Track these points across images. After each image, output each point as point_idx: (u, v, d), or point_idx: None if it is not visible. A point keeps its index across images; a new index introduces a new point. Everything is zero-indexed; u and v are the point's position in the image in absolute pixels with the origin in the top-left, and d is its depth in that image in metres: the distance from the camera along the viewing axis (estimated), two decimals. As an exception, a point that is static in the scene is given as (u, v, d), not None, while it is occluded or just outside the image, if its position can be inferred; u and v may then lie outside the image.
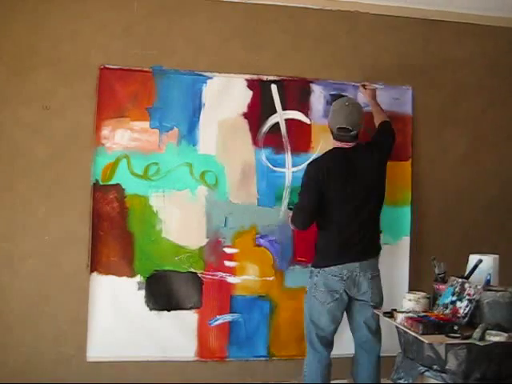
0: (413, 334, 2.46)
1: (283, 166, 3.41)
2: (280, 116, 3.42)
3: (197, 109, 3.34)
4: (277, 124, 3.41)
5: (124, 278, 3.25)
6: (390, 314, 2.74)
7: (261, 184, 3.38)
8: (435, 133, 3.62)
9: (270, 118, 3.40)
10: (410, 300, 2.75)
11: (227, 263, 3.34)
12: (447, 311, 2.57)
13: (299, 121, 3.44)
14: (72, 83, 3.24)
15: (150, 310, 3.27)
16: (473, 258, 2.75)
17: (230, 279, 3.34)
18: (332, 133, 3.00)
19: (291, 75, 3.43)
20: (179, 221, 3.30)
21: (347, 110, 2.92)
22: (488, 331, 2.37)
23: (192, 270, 3.31)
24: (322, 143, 3.40)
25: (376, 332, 2.99)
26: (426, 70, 3.62)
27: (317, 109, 3.46)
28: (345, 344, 3.17)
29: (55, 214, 3.22)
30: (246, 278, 3.36)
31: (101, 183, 3.24)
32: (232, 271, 3.35)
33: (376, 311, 2.90)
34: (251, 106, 3.39)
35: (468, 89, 3.67)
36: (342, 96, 3.30)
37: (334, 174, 2.90)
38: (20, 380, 3.12)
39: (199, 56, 3.37)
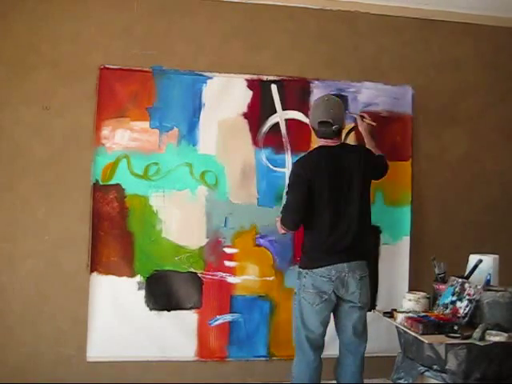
0: (413, 334, 2.46)
1: (283, 166, 3.41)
2: (280, 116, 3.42)
3: (197, 109, 3.34)
4: (277, 124, 3.41)
5: (124, 278, 3.25)
6: (390, 314, 2.75)
7: (261, 184, 3.38)
8: (435, 133, 3.63)
9: (270, 118, 3.40)
10: (410, 300, 2.75)
11: (227, 263, 3.35)
12: (447, 311, 2.57)
13: (299, 121, 3.43)
14: (72, 83, 3.24)
15: (150, 310, 3.27)
16: (473, 258, 2.76)
17: (230, 279, 3.34)
18: (315, 131, 2.92)
19: (291, 75, 3.43)
20: (179, 221, 3.30)
21: (327, 104, 2.86)
22: (488, 331, 2.37)
23: (192, 270, 3.31)
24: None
25: (362, 334, 2.90)
26: (426, 70, 3.62)
27: (317, 109, 3.45)
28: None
29: (55, 214, 3.22)
30: (246, 277, 3.36)
31: (101, 183, 3.25)
32: (232, 271, 3.35)
33: (376, 311, 2.90)
34: (251, 106, 3.39)
35: (468, 89, 3.67)
36: (342, 96, 3.30)
37: (321, 171, 2.82)
38: (20, 380, 3.13)
39: (199, 56, 3.37)
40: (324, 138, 2.90)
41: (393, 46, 3.58)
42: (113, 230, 3.24)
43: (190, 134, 3.33)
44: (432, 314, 2.61)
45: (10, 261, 3.18)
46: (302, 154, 3.02)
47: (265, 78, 3.41)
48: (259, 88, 3.40)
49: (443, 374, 2.41)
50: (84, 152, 3.24)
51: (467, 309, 2.49)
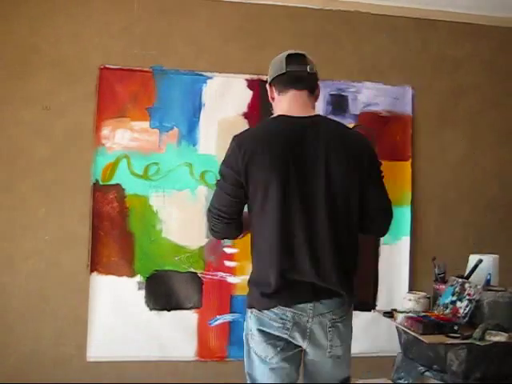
0: (413, 334, 2.46)
1: (283, 165, 3.40)
2: (280, 116, 3.40)
3: (197, 109, 3.34)
4: (277, 124, 3.40)
5: (124, 278, 3.25)
6: (390, 314, 2.74)
7: (261, 184, 3.38)
8: (435, 133, 3.63)
9: (270, 118, 3.40)
10: (409, 300, 2.74)
11: (227, 263, 3.34)
12: (447, 311, 2.57)
13: (299, 121, 3.42)
14: (72, 83, 3.24)
15: (150, 309, 3.27)
16: (473, 258, 2.75)
17: (230, 279, 3.34)
18: (273, 91, 2.05)
19: (291, 75, 3.43)
20: (179, 221, 3.30)
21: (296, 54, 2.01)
22: (488, 331, 2.36)
23: (192, 270, 3.31)
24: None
25: None
26: (426, 70, 3.62)
27: (317, 109, 3.39)
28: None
29: (55, 214, 3.22)
30: (246, 278, 3.32)
31: (101, 183, 3.25)
32: (232, 271, 3.34)
33: (376, 311, 2.88)
34: (251, 106, 3.39)
35: (468, 88, 3.67)
36: (342, 96, 3.30)
37: (264, 159, 1.84)
38: (20, 380, 3.12)
39: (199, 56, 3.37)
40: (290, 86, 1.97)
41: (393, 46, 3.58)
42: (113, 230, 3.24)
43: (190, 134, 3.33)
44: (432, 313, 2.61)
45: (10, 261, 3.18)
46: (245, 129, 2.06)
47: (265, 78, 3.39)
48: (259, 88, 3.39)
49: (443, 374, 2.41)
50: (84, 152, 3.24)
51: (467, 309, 2.49)
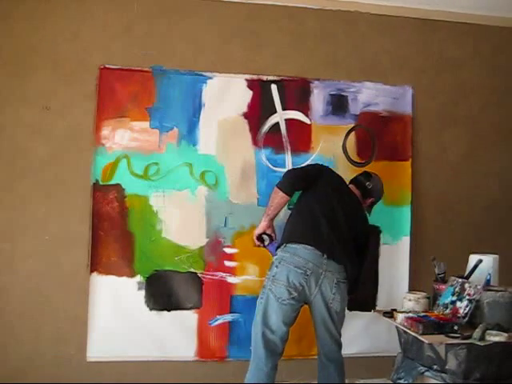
0: (413, 334, 2.46)
1: (283, 166, 3.41)
2: (280, 116, 3.42)
3: (197, 109, 3.34)
4: (277, 124, 3.41)
5: (124, 278, 3.25)
6: (390, 314, 2.74)
7: (261, 184, 3.38)
8: (435, 133, 3.63)
9: (270, 118, 3.40)
10: (410, 300, 2.75)
11: (227, 263, 3.34)
12: (447, 311, 2.57)
13: (299, 121, 3.44)
14: (72, 83, 3.24)
15: (150, 309, 3.27)
16: (473, 258, 2.75)
17: (230, 279, 3.34)
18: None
19: (291, 75, 3.43)
20: (179, 221, 3.30)
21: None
22: (488, 331, 2.37)
23: (192, 270, 3.31)
24: (322, 143, 3.42)
25: (339, 342, 2.76)
26: (426, 70, 3.62)
27: (317, 109, 3.46)
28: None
29: (55, 214, 3.22)
30: (246, 277, 3.36)
31: (101, 183, 3.24)
32: (232, 271, 3.35)
33: (376, 311, 2.89)
34: (251, 106, 3.39)
35: (468, 88, 3.68)
36: (342, 96, 3.35)
37: (335, 184, 2.88)
38: (20, 380, 3.12)
39: (199, 56, 3.37)
40: (354, 183, 3.04)
41: (393, 46, 3.58)
42: (113, 230, 3.24)
43: (189, 133, 3.33)
44: (432, 313, 2.61)
45: (10, 261, 3.18)
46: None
47: (265, 77, 3.41)
48: (259, 88, 3.40)
49: (443, 374, 2.41)
50: (84, 152, 3.24)
51: (467, 309, 2.49)
